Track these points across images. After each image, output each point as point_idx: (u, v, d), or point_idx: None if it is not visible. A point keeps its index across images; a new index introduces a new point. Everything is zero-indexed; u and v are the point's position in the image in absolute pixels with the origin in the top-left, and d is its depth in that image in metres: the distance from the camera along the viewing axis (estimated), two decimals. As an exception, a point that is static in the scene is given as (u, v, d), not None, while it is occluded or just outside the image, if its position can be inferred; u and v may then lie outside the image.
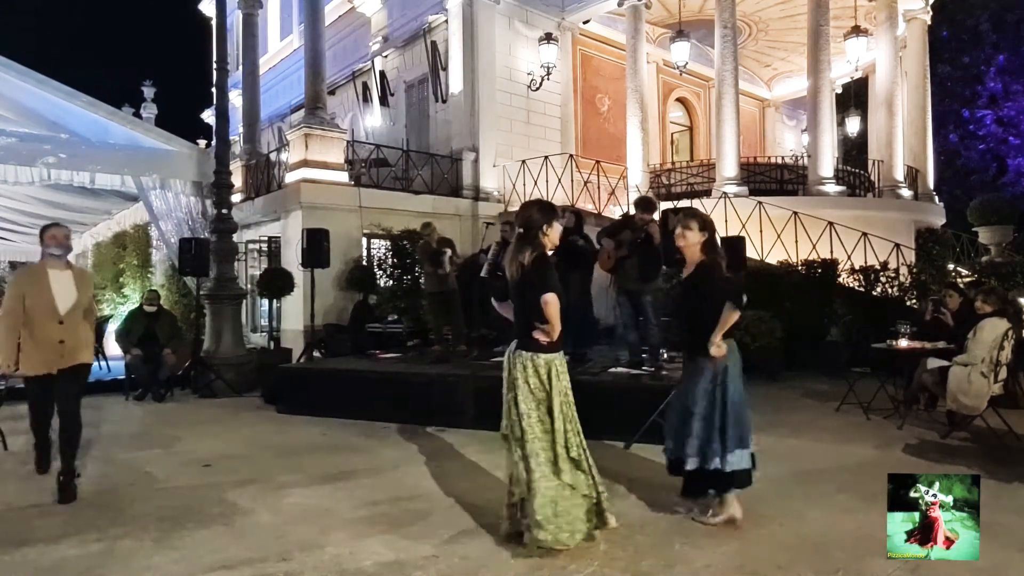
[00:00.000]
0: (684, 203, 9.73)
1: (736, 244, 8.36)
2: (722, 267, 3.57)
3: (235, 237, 9.45)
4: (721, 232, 9.26)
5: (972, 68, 23.33)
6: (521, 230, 3.32)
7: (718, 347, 3.46)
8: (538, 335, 3.21)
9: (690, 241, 3.59)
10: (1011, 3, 22.19)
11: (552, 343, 3.23)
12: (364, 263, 11.06)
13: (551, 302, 3.16)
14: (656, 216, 5.83)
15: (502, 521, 3.35)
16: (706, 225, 3.61)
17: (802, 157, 15.40)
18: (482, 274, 7.43)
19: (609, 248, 6.04)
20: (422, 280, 8.45)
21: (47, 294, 4.14)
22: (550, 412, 3.20)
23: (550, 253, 3.35)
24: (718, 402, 3.49)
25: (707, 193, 12.48)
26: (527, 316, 3.26)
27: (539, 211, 3.35)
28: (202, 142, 18.54)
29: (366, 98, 15.68)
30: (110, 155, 9.35)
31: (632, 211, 6.42)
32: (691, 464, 3.52)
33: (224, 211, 9.11)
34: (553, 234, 3.34)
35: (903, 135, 15.03)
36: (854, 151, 19.77)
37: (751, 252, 9.24)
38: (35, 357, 4.15)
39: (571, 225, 6.40)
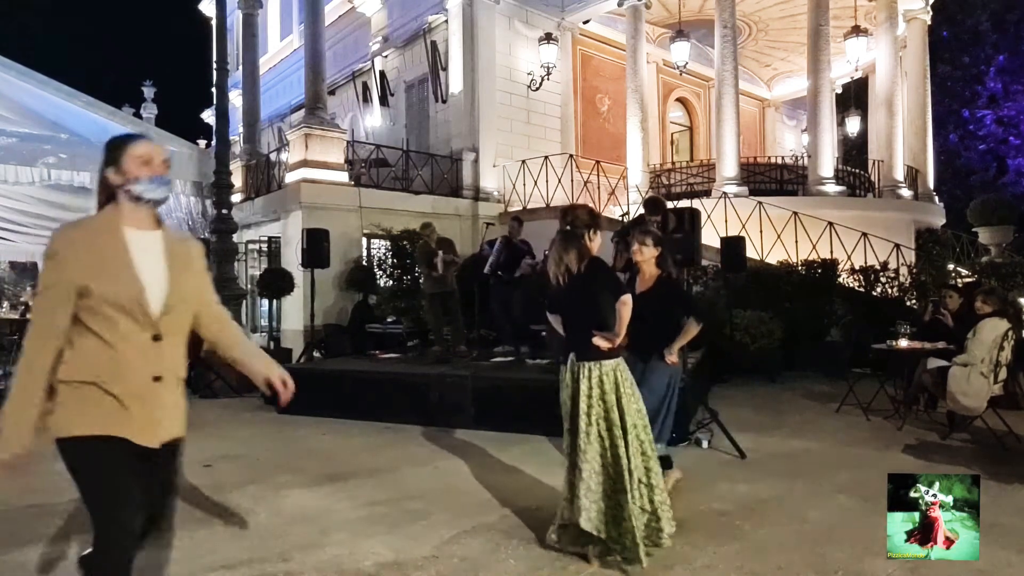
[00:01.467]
0: (684, 203, 9.72)
1: (736, 244, 8.41)
2: (682, 283, 3.84)
3: (235, 237, 9.46)
4: (721, 232, 9.37)
5: (972, 68, 23.34)
6: (567, 228, 3.26)
7: (674, 356, 3.92)
8: (599, 342, 3.10)
9: (646, 256, 3.97)
10: (1011, 3, 22.21)
11: (612, 349, 3.15)
12: (364, 263, 11.07)
13: (628, 303, 3.12)
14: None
15: (557, 531, 3.20)
16: (659, 241, 4.04)
17: (802, 157, 15.40)
18: (485, 271, 7.43)
19: (615, 248, 6.05)
20: (421, 280, 8.45)
21: (129, 276, 1.87)
22: (612, 425, 3.06)
23: None
24: (668, 399, 3.98)
25: (707, 193, 12.47)
26: (585, 323, 3.17)
27: (587, 214, 3.33)
28: (202, 142, 18.59)
29: (366, 98, 15.69)
30: (110, 155, 9.34)
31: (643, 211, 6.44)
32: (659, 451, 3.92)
33: (224, 211, 9.11)
34: (597, 240, 3.31)
35: (903, 135, 15.03)
36: (854, 151, 19.77)
37: (751, 252, 9.26)
38: (99, 407, 1.86)
39: None
